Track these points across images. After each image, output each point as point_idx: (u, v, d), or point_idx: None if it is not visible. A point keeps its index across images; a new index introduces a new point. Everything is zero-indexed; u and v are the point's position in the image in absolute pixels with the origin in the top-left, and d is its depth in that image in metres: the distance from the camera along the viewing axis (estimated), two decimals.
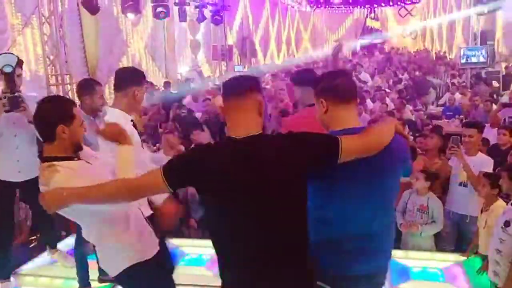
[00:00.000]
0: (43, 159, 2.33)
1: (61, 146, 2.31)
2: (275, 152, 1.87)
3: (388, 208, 2.25)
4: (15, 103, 3.67)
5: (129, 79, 3.01)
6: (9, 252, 4.09)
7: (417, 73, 16.60)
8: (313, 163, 1.91)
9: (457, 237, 4.72)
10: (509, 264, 3.23)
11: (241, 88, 1.99)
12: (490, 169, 4.46)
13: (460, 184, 4.60)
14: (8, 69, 3.66)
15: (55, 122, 2.29)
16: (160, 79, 14.25)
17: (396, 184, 2.27)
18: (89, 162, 2.45)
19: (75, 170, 2.27)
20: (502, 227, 3.40)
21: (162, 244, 2.70)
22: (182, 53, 16.00)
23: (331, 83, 2.20)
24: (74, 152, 2.39)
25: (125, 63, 13.18)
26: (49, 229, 4.62)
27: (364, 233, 2.12)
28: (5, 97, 3.66)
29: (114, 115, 2.91)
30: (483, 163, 4.51)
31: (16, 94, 3.69)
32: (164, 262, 2.68)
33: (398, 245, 4.87)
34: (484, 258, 3.97)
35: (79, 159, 2.41)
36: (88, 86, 3.97)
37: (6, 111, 3.71)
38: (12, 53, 4.12)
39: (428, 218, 4.51)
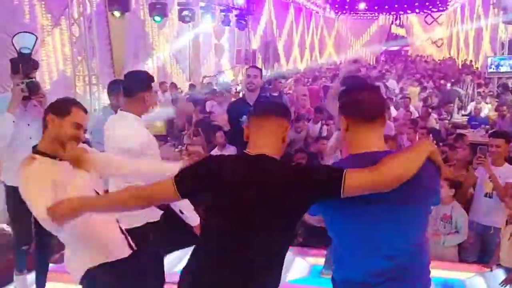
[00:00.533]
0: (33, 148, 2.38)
1: (46, 138, 2.35)
2: (277, 178, 1.88)
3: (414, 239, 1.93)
4: (34, 88, 3.39)
5: (138, 84, 2.95)
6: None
7: (442, 81, 16.41)
8: (311, 200, 1.89)
9: (480, 248, 4.64)
10: None
11: (268, 110, 2.04)
12: None
13: (486, 195, 4.54)
14: (26, 51, 3.43)
15: (47, 111, 2.37)
16: (184, 82, 14.40)
17: (425, 218, 2.00)
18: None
19: (44, 169, 2.25)
20: None
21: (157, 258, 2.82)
22: (206, 56, 16.14)
23: (354, 98, 1.95)
24: (58, 148, 2.31)
25: (150, 65, 13.36)
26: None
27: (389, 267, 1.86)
28: (22, 83, 3.37)
29: (128, 120, 2.89)
30: (510, 173, 4.43)
31: (33, 79, 3.45)
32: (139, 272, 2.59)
33: None
34: (508, 270, 3.91)
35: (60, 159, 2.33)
36: (114, 87, 4.02)
37: (24, 98, 3.42)
38: (30, 32, 3.81)
39: (451, 228, 4.45)
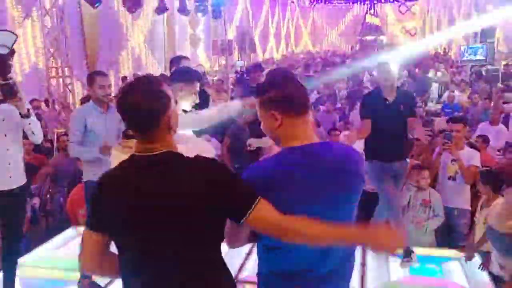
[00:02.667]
0: None
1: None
2: (187, 187, 1.62)
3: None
4: (9, 91, 3.18)
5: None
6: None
7: (416, 70, 16.63)
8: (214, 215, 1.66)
9: (448, 230, 4.82)
10: None
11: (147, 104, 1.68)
12: (478, 162, 4.66)
13: (449, 178, 4.77)
14: (3, 51, 3.16)
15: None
16: (160, 72, 14.25)
17: (355, 207, 1.92)
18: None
19: None
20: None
21: None
22: (181, 47, 15.99)
23: (283, 92, 1.84)
24: None
25: (124, 56, 13.19)
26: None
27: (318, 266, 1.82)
28: None
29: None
30: (470, 156, 4.68)
31: (10, 81, 3.21)
32: None
33: None
34: (483, 254, 4.02)
35: None
36: (88, 79, 3.95)
37: None
38: (9, 31, 3.57)
39: (430, 212, 4.60)
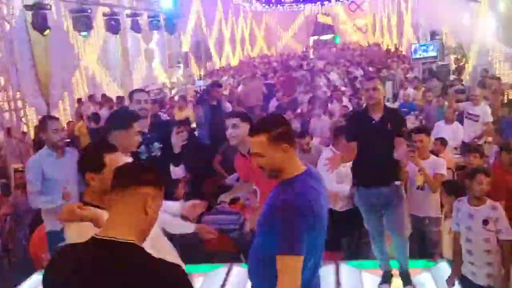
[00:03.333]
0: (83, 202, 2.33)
1: (90, 192, 2.32)
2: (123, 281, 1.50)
3: None
4: None
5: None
6: None
7: (370, 68, 16.97)
8: None
9: (420, 239, 4.88)
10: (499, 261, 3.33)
11: (124, 181, 1.65)
12: (444, 170, 4.68)
13: (418, 187, 4.76)
14: None
15: (84, 169, 2.30)
16: (116, 90, 13.99)
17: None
18: None
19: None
20: (483, 227, 3.64)
21: None
22: (136, 62, 15.75)
23: (289, 126, 2.20)
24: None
25: (78, 76, 12.88)
26: None
27: None
28: None
29: None
30: (436, 164, 4.71)
31: None
32: None
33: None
34: (451, 262, 4.13)
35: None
36: (40, 125, 3.85)
37: None
38: None
39: None
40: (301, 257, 1.95)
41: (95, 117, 8.85)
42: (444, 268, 4.18)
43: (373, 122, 3.82)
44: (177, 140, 3.79)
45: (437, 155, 5.10)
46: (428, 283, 4.10)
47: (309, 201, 2.03)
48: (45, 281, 1.63)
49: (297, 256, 1.95)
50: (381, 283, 4.06)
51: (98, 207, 2.26)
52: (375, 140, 3.76)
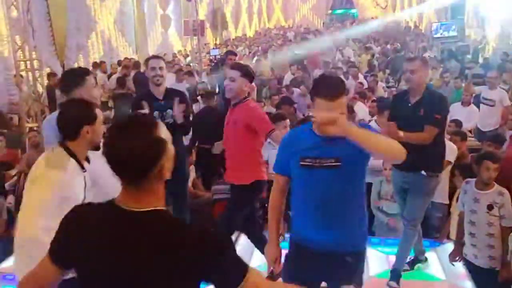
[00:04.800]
0: (65, 149, 2.44)
1: (81, 144, 2.45)
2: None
3: None
4: None
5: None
6: None
7: (388, 46, 16.71)
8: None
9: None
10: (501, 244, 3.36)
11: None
12: (451, 157, 4.57)
13: None
14: None
15: (80, 123, 2.42)
16: (131, 54, 13.97)
17: None
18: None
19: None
20: (487, 211, 3.65)
21: None
22: (152, 28, 15.66)
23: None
24: (91, 149, 2.49)
25: (93, 39, 12.87)
26: None
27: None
28: None
29: None
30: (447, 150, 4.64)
31: None
32: None
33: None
34: (456, 243, 4.15)
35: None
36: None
37: None
38: None
39: None
40: None
41: (122, 81, 8.77)
42: (449, 249, 4.21)
43: (409, 105, 3.69)
44: (177, 111, 3.86)
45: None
46: (433, 263, 4.13)
47: None
48: (68, 238, 1.56)
49: None
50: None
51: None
52: (407, 124, 3.60)
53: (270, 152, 4.40)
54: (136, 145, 1.44)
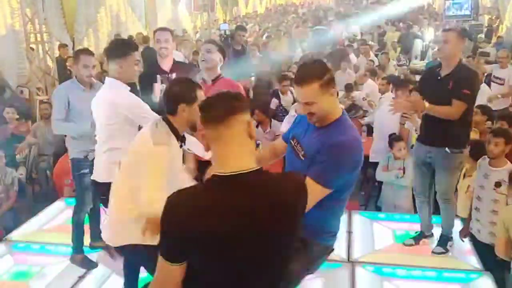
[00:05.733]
0: (166, 121, 2.58)
1: (179, 121, 2.56)
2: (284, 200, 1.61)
3: None
4: None
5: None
6: None
7: (401, 24, 16.47)
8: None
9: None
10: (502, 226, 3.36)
11: (223, 113, 1.59)
12: None
13: (411, 147, 4.75)
14: None
15: (177, 100, 2.53)
16: (141, 30, 13.90)
17: None
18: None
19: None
20: (494, 188, 3.66)
21: None
22: (162, 3, 15.54)
23: (332, 71, 2.26)
24: (189, 129, 2.62)
25: (102, 13, 12.79)
26: None
27: None
28: None
29: None
30: None
31: None
32: None
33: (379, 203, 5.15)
34: (464, 221, 4.16)
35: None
36: (74, 57, 3.86)
37: None
38: None
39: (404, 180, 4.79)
40: (328, 191, 2.15)
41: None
42: (456, 225, 4.22)
43: (439, 78, 3.63)
44: (157, 92, 3.85)
45: None
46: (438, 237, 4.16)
47: (359, 140, 2.25)
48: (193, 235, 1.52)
49: (327, 189, 2.15)
50: (409, 239, 4.13)
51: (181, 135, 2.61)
52: (435, 98, 3.58)
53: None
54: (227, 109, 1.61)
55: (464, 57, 9.65)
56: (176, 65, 4.14)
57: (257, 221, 1.52)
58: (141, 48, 9.49)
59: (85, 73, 3.64)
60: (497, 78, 7.27)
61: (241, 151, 1.59)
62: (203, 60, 3.63)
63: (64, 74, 8.09)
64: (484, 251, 3.78)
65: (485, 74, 7.82)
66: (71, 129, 3.71)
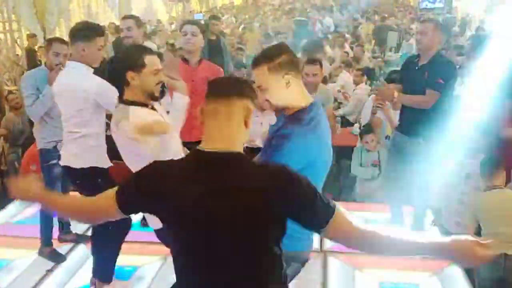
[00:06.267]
0: (121, 100, 2.48)
1: (130, 91, 2.43)
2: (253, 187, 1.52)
3: None
4: None
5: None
6: None
7: (376, 16, 16.57)
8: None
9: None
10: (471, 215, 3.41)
11: (228, 91, 1.62)
12: None
13: (386, 137, 4.78)
14: None
15: (125, 68, 2.39)
16: (114, 20, 13.66)
17: None
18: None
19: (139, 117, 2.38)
20: (464, 180, 3.72)
21: None
22: None
23: (292, 55, 2.00)
24: (146, 99, 2.46)
25: (74, 4, 12.53)
26: None
27: None
28: None
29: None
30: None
31: None
32: None
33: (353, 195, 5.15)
34: (436, 210, 4.22)
35: (152, 108, 2.50)
36: (46, 45, 3.75)
37: None
38: None
39: (379, 171, 4.77)
40: None
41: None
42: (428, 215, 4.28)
43: (416, 68, 3.69)
44: None
45: None
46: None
47: (300, 136, 1.92)
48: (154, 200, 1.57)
49: None
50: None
51: (141, 104, 2.43)
52: (413, 87, 3.65)
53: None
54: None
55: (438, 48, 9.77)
56: None
57: (219, 201, 1.50)
58: (112, 38, 9.33)
59: (55, 61, 3.54)
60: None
61: (230, 133, 1.59)
62: (189, 43, 3.58)
63: (33, 64, 7.88)
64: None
65: (458, 67, 7.92)
66: (40, 104, 3.56)
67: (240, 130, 1.61)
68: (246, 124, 1.62)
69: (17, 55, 8.02)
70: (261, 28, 13.36)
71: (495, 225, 3.22)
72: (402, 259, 3.66)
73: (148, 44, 6.73)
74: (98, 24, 3.66)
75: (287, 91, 1.97)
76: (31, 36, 8.96)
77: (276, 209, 1.51)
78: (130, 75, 2.37)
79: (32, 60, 8.16)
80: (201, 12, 17.93)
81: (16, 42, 7.86)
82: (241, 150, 1.61)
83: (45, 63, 3.74)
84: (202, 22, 9.79)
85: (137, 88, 2.41)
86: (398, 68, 9.02)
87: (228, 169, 1.54)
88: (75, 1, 12.38)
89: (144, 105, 2.46)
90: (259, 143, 4.37)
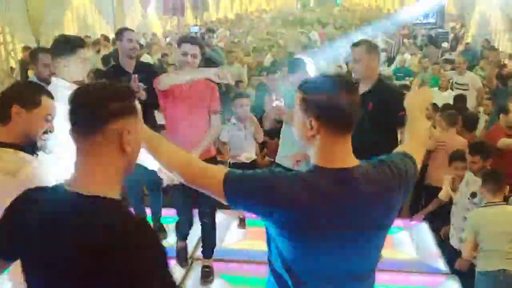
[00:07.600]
0: None
1: (12, 130, 1.97)
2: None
3: None
4: None
5: None
6: None
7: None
8: None
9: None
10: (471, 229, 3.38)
11: (86, 123, 1.27)
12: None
13: None
14: None
15: (10, 100, 1.98)
16: (109, 33, 13.68)
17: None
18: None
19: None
20: (469, 198, 3.68)
21: None
22: (131, 6, 15.35)
23: (333, 100, 1.45)
24: (26, 143, 2.02)
25: (69, 16, 12.56)
26: None
27: None
28: None
29: None
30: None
31: None
32: None
33: None
34: (430, 224, 4.21)
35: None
36: (31, 56, 3.71)
37: None
38: None
39: None
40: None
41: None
42: (423, 229, 4.26)
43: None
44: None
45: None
46: (405, 241, 4.19)
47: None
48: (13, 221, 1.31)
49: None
50: None
51: (22, 148, 1.99)
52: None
53: (233, 134, 4.30)
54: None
55: (430, 63, 9.86)
56: (139, 65, 4.07)
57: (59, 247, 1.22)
58: (111, 49, 9.34)
59: (45, 72, 3.52)
60: (459, 84, 7.51)
61: (98, 169, 1.29)
62: (187, 64, 3.33)
63: (27, 77, 7.86)
64: (452, 254, 3.81)
65: (450, 81, 7.99)
66: None
67: (115, 162, 1.30)
68: (124, 149, 1.29)
69: (11, 67, 7.98)
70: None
71: (494, 241, 3.21)
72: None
73: (144, 57, 6.75)
74: (77, 36, 3.55)
75: (308, 134, 1.58)
76: (25, 49, 8.94)
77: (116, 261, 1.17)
78: (16, 109, 1.96)
79: (25, 73, 8.11)
80: (196, 25, 18.03)
81: (10, 55, 7.82)
82: (117, 184, 1.31)
83: (35, 74, 3.69)
84: (198, 34, 9.88)
85: (19, 127, 1.97)
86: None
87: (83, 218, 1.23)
88: (69, 13, 12.38)
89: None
90: (244, 158, 4.26)
